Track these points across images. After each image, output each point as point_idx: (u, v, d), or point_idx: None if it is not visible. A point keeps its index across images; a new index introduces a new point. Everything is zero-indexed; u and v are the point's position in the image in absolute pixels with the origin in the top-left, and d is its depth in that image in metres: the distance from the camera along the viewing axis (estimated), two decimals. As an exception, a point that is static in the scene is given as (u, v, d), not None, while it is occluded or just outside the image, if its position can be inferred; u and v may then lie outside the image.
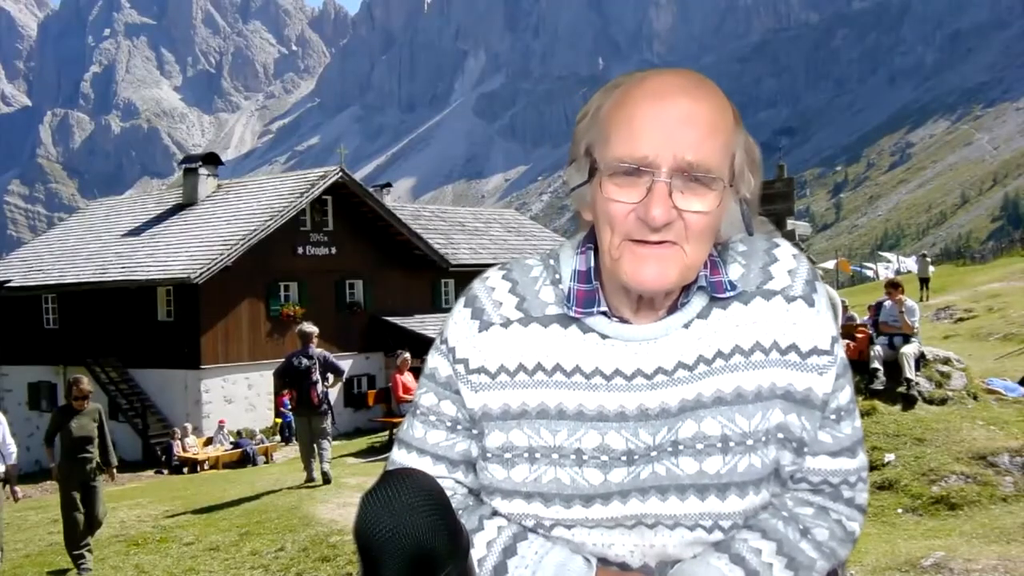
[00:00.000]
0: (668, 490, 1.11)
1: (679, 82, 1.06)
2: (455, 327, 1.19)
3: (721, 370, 1.11)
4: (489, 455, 1.16)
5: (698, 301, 1.13)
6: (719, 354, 1.12)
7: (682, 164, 1.03)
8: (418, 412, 1.22)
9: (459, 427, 1.19)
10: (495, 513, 1.17)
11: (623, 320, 1.13)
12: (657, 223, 1.02)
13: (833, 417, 1.17)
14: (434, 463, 1.20)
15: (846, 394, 1.18)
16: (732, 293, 1.13)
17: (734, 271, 1.15)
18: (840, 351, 1.17)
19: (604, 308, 1.13)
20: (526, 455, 1.13)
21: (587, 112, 1.12)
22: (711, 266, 1.13)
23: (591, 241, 1.16)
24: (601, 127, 1.09)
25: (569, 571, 1.11)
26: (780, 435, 1.12)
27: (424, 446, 1.21)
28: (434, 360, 1.22)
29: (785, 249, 1.18)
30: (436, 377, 1.21)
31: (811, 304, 1.15)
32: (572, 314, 1.13)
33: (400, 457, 1.23)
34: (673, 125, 1.03)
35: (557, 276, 1.17)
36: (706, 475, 1.10)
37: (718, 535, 1.12)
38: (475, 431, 1.18)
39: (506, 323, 1.16)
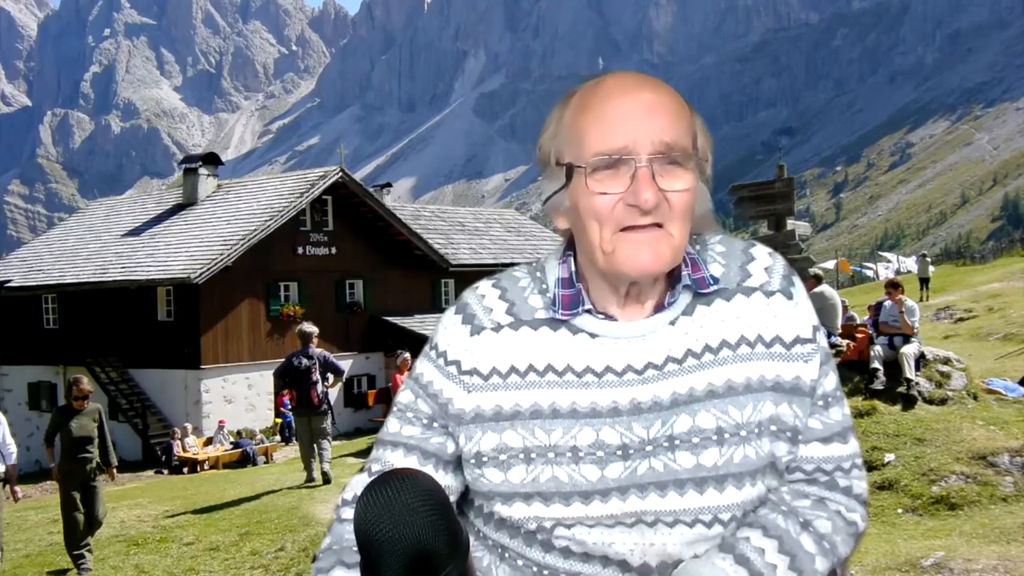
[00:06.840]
0: (667, 485, 1.12)
1: (636, 78, 1.14)
2: (446, 332, 1.22)
3: (710, 364, 1.14)
4: (485, 459, 1.16)
5: (683, 299, 1.17)
6: (707, 348, 1.15)
7: (660, 147, 1.08)
8: (395, 410, 1.25)
9: (435, 424, 1.21)
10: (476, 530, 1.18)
11: (609, 317, 1.16)
12: (649, 205, 1.07)
13: (821, 404, 1.20)
14: (406, 454, 1.21)
15: (831, 380, 1.21)
16: (715, 288, 1.17)
17: (714, 270, 1.20)
18: (822, 339, 1.21)
19: (588, 307, 1.16)
20: (522, 456, 1.14)
21: (548, 126, 1.18)
22: (692, 264, 1.18)
23: (572, 250, 1.20)
24: (570, 132, 1.13)
25: None
26: (773, 427, 1.14)
27: (398, 439, 1.23)
28: (420, 365, 1.24)
29: (761, 248, 1.24)
30: (419, 379, 1.23)
31: (790, 297, 1.19)
32: (559, 317, 1.16)
33: (375, 453, 1.25)
34: (644, 112, 1.09)
35: (544, 286, 1.21)
36: (703, 468, 1.12)
37: (718, 530, 1.13)
38: (451, 430, 1.19)
39: (497, 327, 1.19)
